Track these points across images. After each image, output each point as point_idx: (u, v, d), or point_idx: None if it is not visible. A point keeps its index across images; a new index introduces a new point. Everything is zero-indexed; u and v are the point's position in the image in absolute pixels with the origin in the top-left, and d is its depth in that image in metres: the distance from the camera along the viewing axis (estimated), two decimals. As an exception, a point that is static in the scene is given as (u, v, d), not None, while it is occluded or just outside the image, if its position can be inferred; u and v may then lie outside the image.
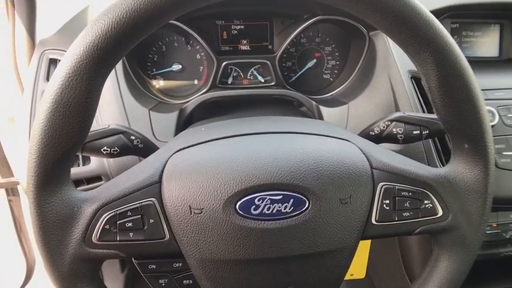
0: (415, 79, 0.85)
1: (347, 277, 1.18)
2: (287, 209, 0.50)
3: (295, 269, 0.53)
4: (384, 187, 0.54)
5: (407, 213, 0.55)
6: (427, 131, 0.66)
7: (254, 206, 0.50)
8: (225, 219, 0.50)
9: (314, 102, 0.92)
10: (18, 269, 1.26)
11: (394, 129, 0.67)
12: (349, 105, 0.90)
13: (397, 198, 0.54)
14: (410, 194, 0.55)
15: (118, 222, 0.51)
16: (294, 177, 0.51)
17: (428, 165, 0.73)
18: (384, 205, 0.54)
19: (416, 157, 0.79)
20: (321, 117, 0.91)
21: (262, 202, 0.50)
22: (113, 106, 0.84)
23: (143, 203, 0.52)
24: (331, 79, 1.05)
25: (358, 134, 0.69)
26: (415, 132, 0.66)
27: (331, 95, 1.01)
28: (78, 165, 0.86)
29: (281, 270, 0.53)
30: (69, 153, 0.49)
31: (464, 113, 0.51)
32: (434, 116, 0.67)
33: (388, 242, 1.03)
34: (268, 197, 0.50)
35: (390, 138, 0.67)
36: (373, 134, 0.68)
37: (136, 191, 0.52)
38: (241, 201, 0.50)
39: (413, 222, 0.55)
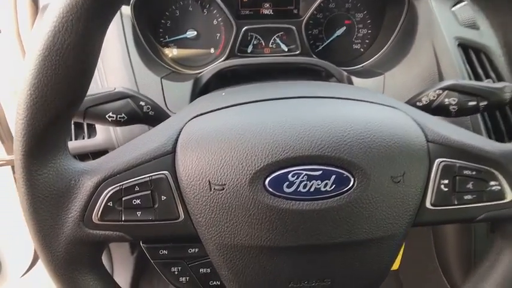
0: (463, 47, 0.75)
1: None
2: (327, 188, 0.41)
3: (334, 259, 0.44)
4: (442, 164, 0.45)
5: (470, 196, 0.45)
6: (486, 102, 0.57)
7: (287, 183, 0.41)
8: (251, 198, 0.41)
9: (345, 73, 0.83)
10: (24, 251, 1.20)
11: (446, 100, 0.57)
12: (385, 76, 0.80)
13: (457, 177, 0.45)
14: (474, 173, 0.45)
15: (123, 199, 0.43)
16: (336, 149, 0.41)
17: None
18: (442, 186, 0.45)
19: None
20: (352, 90, 0.81)
21: (297, 178, 0.41)
22: (121, 72, 0.76)
23: (153, 177, 0.43)
24: (362, 49, 0.95)
25: None
26: (470, 103, 0.57)
27: (362, 66, 0.91)
28: (84, 138, 0.78)
29: (317, 260, 0.44)
30: (65, 114, 0.40)
31: None
32: (494, 84, 0.57)
33: (420, 229, 0.94)
34: (305, 173, 0.41)
35: (441, 110, 0.58)
36: (421, 104, 0.59)
37: (145, 162, 0.43)
38: (272, 176, 0.41)
39: (476, 207, 0.46)
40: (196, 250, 0.47)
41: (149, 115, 0.57)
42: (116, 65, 0.76)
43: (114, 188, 0.43)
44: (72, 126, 0.78)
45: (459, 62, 0.73)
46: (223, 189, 0.42)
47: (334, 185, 0.42)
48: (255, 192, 0.41)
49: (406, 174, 0.43)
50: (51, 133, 0.40)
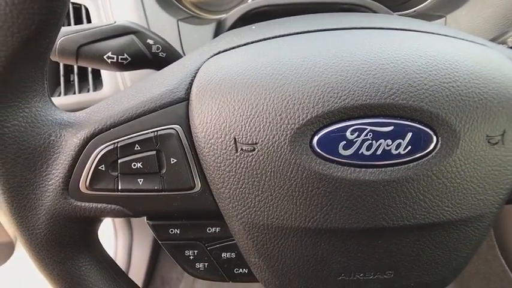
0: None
1: None
2: (401, 150, 0.30)
3: (402, 247, 0.33)
4: None
5: None
6: None
7: (344, 143, 0.30)
8: (292, 163, 0.30)
9: (398, 15, 0.69)
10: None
11: (542, 39, 0.44)
12: (447, 19, 0.66)
13: None
14: None
15: (120, 162, 0.32)
16: (414, 96, 0.29)
17: None
18: None
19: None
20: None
21: (358, 136, 0.29)
22: (130, 9, 0.64)
23: (160, 132, 0.32)
24: (413, -8, 0.80)
25: None
26: None
27: (415, 10, 0.76)
28: (88, 91, 0.67)
29: (379, 247, 0.33)
30: (35, 42, 0.29)
31: None
32: None
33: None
34: (370, 128, 0.29)
35: (533, 53, 0.44)
36: (506, 47, 0.45)
37: (149, 112, 0.32)
38: (323, 133, 0.30)
39: None
40: (218, 229, 0.36)
41: (159, 57, 0.45)
42: (125, 1, 0.65)
43: (107, 146, 0.32)
44: (76, 77, 0.67)
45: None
46: (254, 149, 0.30)
47: (409, 147, 0.30)
48: (298, 155, 0.30)
49: (507, 133, 0.31)
50: (19, 69, 0.29)
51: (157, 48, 0.45)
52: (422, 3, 0.76)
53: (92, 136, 0.32)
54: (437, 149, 0.30)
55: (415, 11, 0.77)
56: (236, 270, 0.37)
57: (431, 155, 0.30)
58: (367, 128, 0.29)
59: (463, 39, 0.35)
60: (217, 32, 0.67)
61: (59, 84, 0.68)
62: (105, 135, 0.32)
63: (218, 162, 0.31)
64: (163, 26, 0.65)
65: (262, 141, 0.30)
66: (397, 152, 0.30)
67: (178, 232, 0.36)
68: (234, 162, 0.31)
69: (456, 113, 0.30)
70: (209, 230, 0.36)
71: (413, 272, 0.34)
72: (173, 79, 0.33)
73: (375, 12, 0.69)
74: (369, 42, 0.33)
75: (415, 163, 0.30)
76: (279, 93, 0.30)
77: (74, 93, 0.67)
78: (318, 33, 0.35)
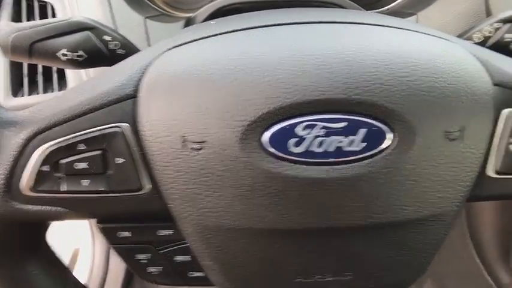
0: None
1: None
2: (354, 146, 0.29)
3: (359, 247, 0.32)
4: (510, 116, 0.32)
5: None
6: (562, 39, 0.42)
7: (295, 140, 0.29)
8: (242, 161, 0.29)
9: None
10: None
11: (506, 36, 0.43)
12: (418, 17, 0.65)
13: None
14: None
15: (63, 162, 0.31)
16: (369, 91, 0.28)
17: None
18: (511, 146, 0.32)
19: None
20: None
21: (309, 133, 0.28)
22: (95, 3, 0.62)
23: (106, 130, 0.30)
24: (386, -10, 0.79)
25: None
26: (540, 40, 0.43)
27: (388, 9, 0.76)
28: (53, 91, 0.65)
29: (336, 248, 0.32)
30: None
31: None
32: None
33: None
34: (322, 124, 0.28)
35: (499, 49, 0.44)
36: (473, 43, 0.45)
37: (95, 110, 0.31)
38: (273, 129, 0.29)
39: None
40: (170, 232, 0.34)
41: (117, 54, 0.44)
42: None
43: (51, 145, 0.30)
44: (41, 77, 0.66)
45: (514, -4, 0.58)
46: (203, 148, 0.29)
47: (364, 143, 0.29)
48: (247, 153, 0.29)
49: (466, 129, 0.30)
50: None
51: (116, 45, 0.43)
52: (392, 4, 0.75)
53: (34, 135, 0.30)
54: (393, 145, 0.29)
55: (388, 9, 0.76)
56: (191, 274, 0.36)
57: (386, 152, 0.29)
58: (318, 124, 0.28)
59: (425, 34, 0.34)
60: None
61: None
62: (48, 134, 0.30)
63: (166, 162, 0.30)
64: (130, 24, 0.63)
65: (211, 139, 0.29)
66: (351, 148, 0.28)
67: (129, 235, 0.34)
68: (183, 161, 0.30)
69: (413, 109, 0.29)
70: (161, 232, 0.34)
71: (373, 273, 0.33)
72: (122, 75, 0.32)
73: (346, 9, 0.69)
74: (325, 36, 0.31)
75: (369, 160, 0.29)
76: (229, 89, 0.29)
77: (38, 93, 0.65)
78: (275, 28, 0.34)
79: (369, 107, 0.28)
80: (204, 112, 0.29)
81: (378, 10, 0.76)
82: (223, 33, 0.34)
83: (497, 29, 0.43)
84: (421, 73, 0.29)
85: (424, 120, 0.29)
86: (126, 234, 0.34)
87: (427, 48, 0.31)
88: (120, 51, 0.44)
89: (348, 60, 0.29)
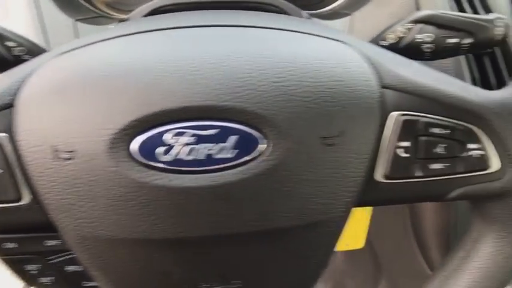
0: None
1: (341, 247, 0.97)
2: (226, 154, 0.28)
3: (243, 255, 0.31)
4: (400, 119, 0.31)
5: (439, 165, 0.32)
6: (471, 40, 0.42)
7: (164, 148, 0.28)
8: (111, 171, 0.28)
9: (306, 14, 0.67)
10: None
11: (418, 36, 0.43)
12: (353, 17, 0.65)
13: (421, 138, 0.32)
14: (445, 131, 0.32)
15: None
16: (240, 97, 0.28)
17: None
18: (400, 150, 0.32)
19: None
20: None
21: (177, 140, 0.28)
22: (23, 4, 0.60)
23: None
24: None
25: None
26: (450, 40, 0.42)
27: (327, 10, 0.75)
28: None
29: (218, 256, 0.31)
30: None
31: None
32: (482, 16, 0.43)
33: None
34: (191, 132, 0.28)
35: (412, 50, 0.43)
36: (386, 43, 0.44)
37: None
38: (141, 138, 0.28)
39: (447, 180, 0.32)
40: (58, 242, 0.33)
41: (23, 59, 0.43)
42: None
43: None
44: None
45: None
46: (72, 158, 0.28)
47: (236, 150, 0.28)
48: (116, 163, 0.28)
49: (345, 133, 0.30)
50: None
51: (21, 51, 0.42)
52: (332, 5, 0.75)
53: None
54: (266, 152, 0.28)
55: (332, 9, 0.76)
56: (85, 284, 0.35)
57: (259, 159, 0.28)
58: (188, 132, 0.28)
59: (317, 36, 0.34)
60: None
61: None
62: None
63: (40, 172, 0.29)
64: (59, 27, 0.62)
65: (80, 148, 0.28)
66: (221, 156, 0.28)
67: (15, 246, 0.33)
68: (55, 171, 0.29)
69: (286, 114, 0.28)
70: (48, 243, 0.33)
71: (262, 282, 0.33)
72: (3, 83, 0.31)
73: (283, 10, 0.68)
74: (205, 40, 0.31)
75: (241, 168, 0.28)
76: (97, 97, 0.28)
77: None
78: (163, 32, 0.33)
79: (239, 114, 0.28)
80: (72, 121, 0.28)
81: (318, 11, 0.76)
82: (112, 38, 0.33)
83: (409, 30, 0.43)
84: (298, 78, 0.29)
85: (297, 126, 0.28)
86: (12, 245, 0.33)
87: (311, 52, 0.31)
88: (26, 57, 0.42)
89: (223, 66, 0.28)
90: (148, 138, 0.28)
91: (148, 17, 0.41)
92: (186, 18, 0.36)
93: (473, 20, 0.42)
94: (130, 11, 0.75)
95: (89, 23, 0.65)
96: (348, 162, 0.30)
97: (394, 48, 0.44)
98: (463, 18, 0.42)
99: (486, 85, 0.55)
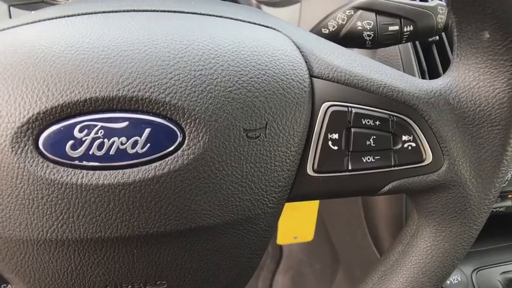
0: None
1: (289, 240, 0.96)
2: (138, 148, 0.26)
3: (166, 255, 0.29)
4: (330, 110, 0.30)
5: (371, 158, 0.31)
6: (411, 27, 0.41)
7: (72, 142, 0.26)
8: (17, 167, 0.25)
9: (254, 1, 0.66)
10: None
11: (358, 23, 0.41)
12: (302, 4, 0.64)
13: (353, 130, 0.30)
14: (377, 123, 0.30)
15: None
16: (154, 86, 0.26)
17: None
18: (330, 142, 0.30)
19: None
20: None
21: (87, 134, 0.25)
22: None
23: None
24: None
25: None
26: (392, 28, 0.41)
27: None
28: None
29: (139, 256, 0.29)
30: None
31: None
32: (425, 3, 0.42)
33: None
34: (100, 124, 0.26)
35: (353, 38, 0.42)
36: (327, 31, 0.43)
37: None
38: (47, 132, 0.25)
39: (379, 173, 0.31)
40: None
41: None
42: None
43: None
44: None
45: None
46: None
47: (149, 144, 0.26)
48: (22, 158, 0.25)
49: (270, 126, 0.28)
50: None
51: None
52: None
53: None
54: (183, 146, 0.26)
55: (282, -4, 0.74)
56: (5, 286, 0.33)
57: (176, 154, 0.26)
58: (97, 125, 0.25)
59: (247, 22, 0.32)
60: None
61: None
62: None
63: None
64: (-8, 12, 0.58)
65: None
66: (134, 151, 0.26)
67: None
68: None
69: (205, 106, 0.26)
70: None
71: (188, 282, 0.31)
72: None
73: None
74: (121, 26, 0.28)
75: (157, 163, 0.26)
76: (3, 87, 0.25)
77: None
78: (88, 17, 0.30)
79: (153, 105, 0.26)
80: None
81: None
82: (20, 25, 0.30)
83: (349, 17, 0.42)
84: (219, 66, 0.27)
85: (218, 118, 0.27)
86: None
87: (236, 38, 0.29)
88: None
89: (137, 54, 0.26)
90: (54, 132, 0.25)
91: (73, 2, 0.38)
92: (110, 3, 0.34)
93: (414, 7, 0.41)
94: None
95: (25, 8, 0.61)
96: (274, 156, 0.29)
97: (335, 35, 0.43)
98: (403, 5, 0.41)
99: (434, 74, 0.55)
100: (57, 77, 0.25)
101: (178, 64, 0.26)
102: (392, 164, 0.31)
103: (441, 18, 0.42)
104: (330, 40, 0.42)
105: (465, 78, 0.32)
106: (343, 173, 0.31)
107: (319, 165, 0.30)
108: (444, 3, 0.42)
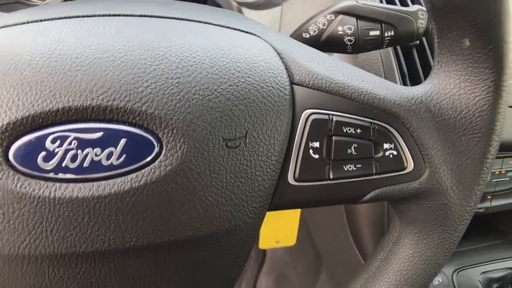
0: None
1: (271, 245, 0.96)
2: (114, 160, 0.25)
3: (142, 269, 0.29)
4: (311, 118, 0.30)
5: (352, 167, 0.31)
6: (392, 32, 0.41)
7: (44, 154, 0.25)
8: None
9: (235, 3, 0.65)
10: None
11: (339, 28, 0.41)
12: (283, 7, 0.63)
13: (334, 138, 0.30)
14: (358, 131, 0.30)
15: None
16: (128, 95, 0.25)
17: None
18: (311, 151, 0.30)
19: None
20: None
21: (60, 145, 0.24)
22: None
23: None
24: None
25: None
26: (373, 33, 0.41)
27: (259, -2, 0.73)
28: None
29: (115, 271, 0.28)
30: None
31: None
32: (405, 8, 0.42)
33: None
34: (74, 135, 0.25)
35: (334, 43, 0.42)
36: (307, 36, 0.43)
37: None
38: (18, 143, 0.24)
39: (361, 182, 0.31)
40: None
41: None
42: None
43: None
44: None
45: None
46: None
47: (124, 155, 0.25)
48: None
49: (251, 134, 0.28)
50: None
51: None
52: (267, -10, 0.73)
53: None
54: (160, 157, 0.26)
55: (261, -2, 0.74)
56: None
57: (153, 164, 0.26)
58: (70, 135, 0.24)
59: (226, 27, 0.31)
60: None
61: None
62: None
63: None
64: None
65: None
66: (109, 162, 0.25)
67: None
68: None
69: (183, 115, 0.26)
70: None
71: None
72: None
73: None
74: (95, 32, 0.28)
75: (133, 175, 0.25)
76: None
77: None
78: (50, 23, 0.29)
79: (128, 114, 0.25)
80: None
81: (247, 0, 0.73)
82: (2, 27, 0.29)
83: (330, 22, 0.42)
84: (197, 74, 0.26)
85: (196, 128, 0.26)
86: None
87: (215, 45, 0.28)
88: None
89: (112, 61, 0.26)
90: (25, 144, 0.24)
91: (47, 6, 0.36)
92: (85, 7, 0.33)
93: (394, 12, 0.41)
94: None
95: (4, 10, 0.60)
96: (255, 166, 0.28)
97: (316, 40, 0.42)
98: (384, 10, 0.41)
99: (415, 78, 0.55)
100: (28, 86, 0.24)
101: (154, 72, 0.26)
102: (374, 172, 0.31)
103: (422, 23, 0.42)
104: (311, 45, 0.42)
105: (446, 85, 0.31)
106: (325, 182, 0.30)
107: (300, 174, 0.30)
108: (425, 9, 0.42)
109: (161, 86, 0.25)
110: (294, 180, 0.30)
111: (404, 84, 0.55)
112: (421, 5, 0.44)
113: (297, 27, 0.62)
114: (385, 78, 0.51)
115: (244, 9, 0.63)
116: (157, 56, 0.26)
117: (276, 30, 0.60)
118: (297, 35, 0.44)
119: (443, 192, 0.32)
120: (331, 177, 0.30)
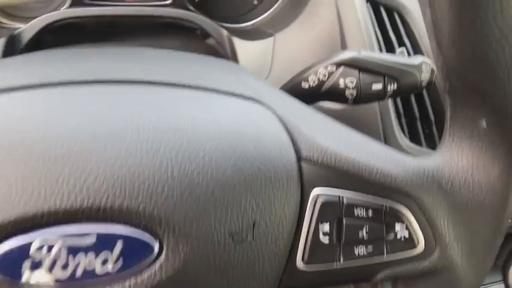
0: (373, 3, 0.57)
1: None
2: (109, 266, 0.23)
3: None
4: (320, 200, 0.28)
5: (363, 250, 0.29)
6: (395, 85, 0.39)
7: (30, 261, 0.22)
8: None
9: (226, 32, 0.62)
10: None
11: (341, 80, 0.39)
12: (276, 38, 0.61)
13: (344, 221, 0.28)
14: (370, 213, 0.28)
15: None
16: (121, 193, 0.22)
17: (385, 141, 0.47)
18: (321, 234, 0.28)
19: (366, 127, 0.51)
20: (234, 54, 0.60)
21: (48, 251, 0.22)
22: None
23: None
24: (256, 1, 0.74)
25: (282, 87, 0.42)
26: (375, 86, 0.39)
27: (253, 24, 0.71)
28: None
29: None
30: None
31: (498, 59, 0.24)
32: (408, 60, 0.40)
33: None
34: (62, 240, 0.22)
35: (334, 94, 0.40)
36: (307, 87, 0.41)
37: None
38: (1, 249, 0.22)
39: (372, 264, 0.29)
40: None
41: None
42: None
43: None
44: None
45: (367, 24, 0.55)
46: None
47: (121, 259, 0.23)
48: None
49: (259, 224, 0.25)
50: None
51: None
52: (259, 18, 0.70)
53: None
54: (161, 258, 0.23)
55: (253, 24, 0.71)
56: None
57: (154, 267, 0.23)
58: (58, 240, 0.22)
59: (218, 92, 0.29)
60: (7, 48, 0.56)
61: None
62: None
63: None
64: None
65: None
66: (105, 269, 0.22)
67: None
68: None
69: (184, 212, 0.23)
70: None
71: None
72: None
73: (202, 28, 0.62)
74: (84, 109, 0.25)
75: (131, 280, 0.23)
76: None
77: None
78: (30, 93, 0.26)
79: (122, 214, 0.22)
80: None
81: (242, 25, 0.71)
82: None
83: (331, 73, 0.40)
84: (202, 160, 0.24)
85: (199, 224, 0.24)
86: None
87: (220, 122, 0.26)
88: None
89: (101, 151, 0.23)
90: (9, 250, 0.22)
91: (18, 60, 0.33)
92: (61, 65, 0.30)
93: (398, 66, 0.39)
94: (27, 18, 0.66)
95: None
96: (262, 257, 0.26)
97: (316, 91, 0.40)
98: (386, 63, 0.39)
99: (413, 130, 0.53)
100: (7, 186, 0.22)
101: (151, 163, 0.23)
102: (385, 253, 0.29)
103: (425, 76, 0.40)
104: (310, 95, 0.40)
105: (458, 161, 0.30)
106: (335, 265, 0.28)
107: (309, 258, 0.28)
108: (428, 61, 0.40)
109: (159, 180, 0.23)
110: (303, 263, 0.28)
111: (400, 125, 0.53)
112: (423, 54, 0.43)
113: (290, 59, 0.60)
114: (381, 122, 0.49)
115: (236, 40, 0.61)
116: (154, 140, 0.24)
117: (266, 70, 0.58)
118: (295, 84, 0.41)
119: (453, 268, 0.31)
120: (341, 261, 0.28)
